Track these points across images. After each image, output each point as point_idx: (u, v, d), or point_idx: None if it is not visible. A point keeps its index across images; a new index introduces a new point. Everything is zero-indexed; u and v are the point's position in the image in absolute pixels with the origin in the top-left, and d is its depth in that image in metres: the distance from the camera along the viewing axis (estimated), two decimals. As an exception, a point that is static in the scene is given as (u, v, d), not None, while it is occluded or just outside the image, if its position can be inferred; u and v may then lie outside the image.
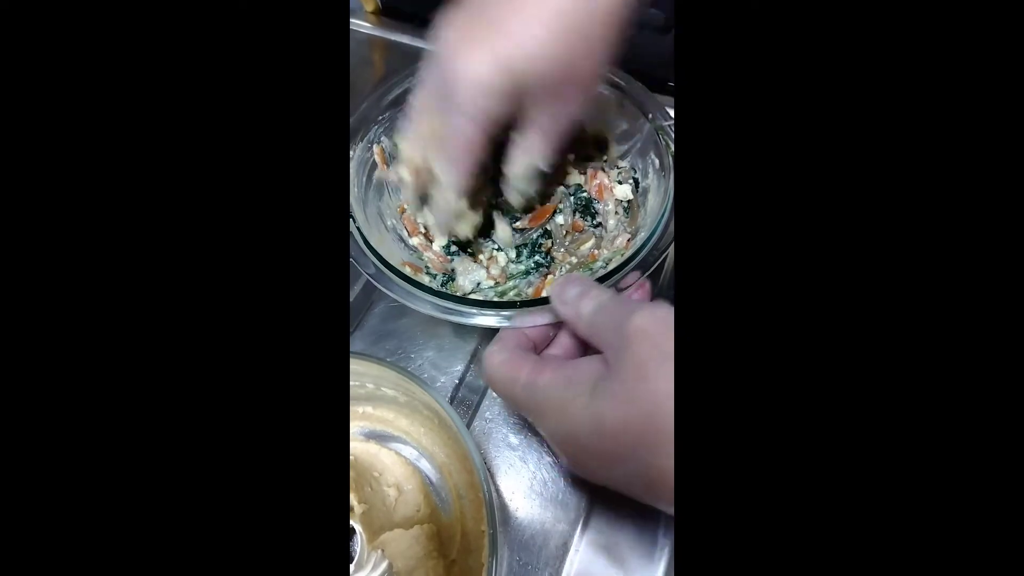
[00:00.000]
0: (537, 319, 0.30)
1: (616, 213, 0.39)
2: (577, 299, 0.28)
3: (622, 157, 0.41)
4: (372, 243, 0.33)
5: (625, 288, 0.31)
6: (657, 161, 0.37)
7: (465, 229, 0.35)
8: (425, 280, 0.36)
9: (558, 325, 0.30)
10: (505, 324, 0.31)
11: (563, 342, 0.30)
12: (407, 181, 0.33)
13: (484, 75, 0.27)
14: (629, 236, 0.38)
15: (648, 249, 0.32)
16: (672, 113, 0.37)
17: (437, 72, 0.29)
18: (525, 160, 0.31)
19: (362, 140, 0.38)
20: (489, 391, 0.39)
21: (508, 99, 0.28)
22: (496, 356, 0.29)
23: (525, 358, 0.28)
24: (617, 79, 0.39)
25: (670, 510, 0.24)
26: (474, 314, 0.31)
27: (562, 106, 0.29)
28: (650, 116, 0.37)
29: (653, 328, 0.24)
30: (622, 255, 0.33)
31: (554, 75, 0.28)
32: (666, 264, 0.43)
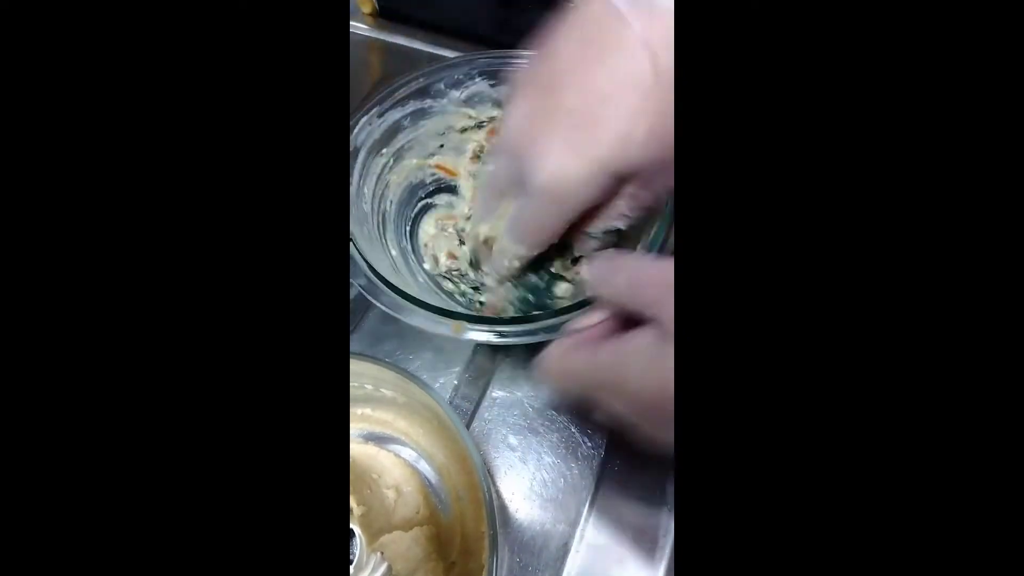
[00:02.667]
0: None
1: None
2: (612, 277, 0.28)
3: None
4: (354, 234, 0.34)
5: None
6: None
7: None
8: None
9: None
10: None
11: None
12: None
13: (582, 174, 0.28)
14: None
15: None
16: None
17: (525, 173, 0.29)
18: (604, 224, 0.31)
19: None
20: (488, 392, 0.39)
21: (605, 188, 0.29)
22: (555, 351, 0.29)
23: (581, 346, 0.28)
24: None
25: None
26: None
27: (655, 185, 0.30)
28: None
29: None
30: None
31: (653, 165, 0.28)
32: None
